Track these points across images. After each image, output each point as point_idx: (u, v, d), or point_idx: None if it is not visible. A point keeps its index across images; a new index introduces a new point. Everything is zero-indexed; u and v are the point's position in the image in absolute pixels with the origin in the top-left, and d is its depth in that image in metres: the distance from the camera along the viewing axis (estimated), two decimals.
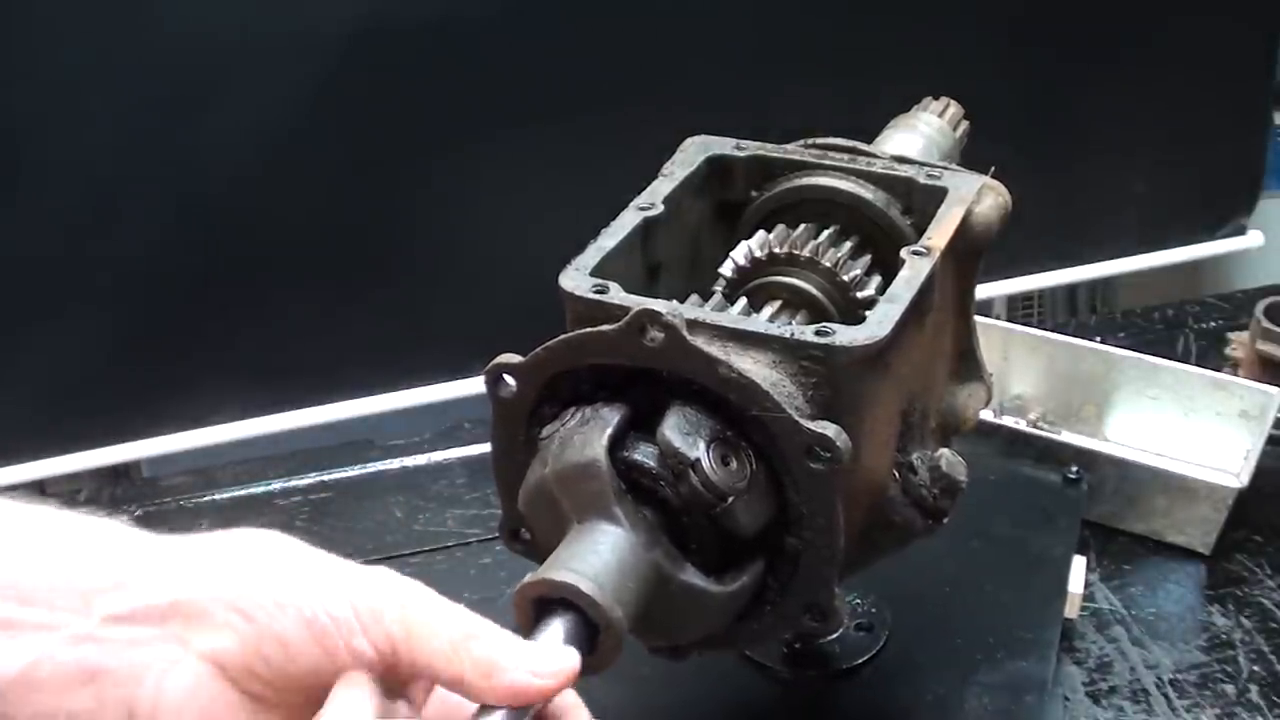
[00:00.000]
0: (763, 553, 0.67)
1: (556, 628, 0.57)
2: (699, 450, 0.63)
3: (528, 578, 0.58)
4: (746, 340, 0.67)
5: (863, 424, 0.67)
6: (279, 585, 0.52)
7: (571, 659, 0.54)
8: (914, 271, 0.72)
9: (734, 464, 0.64)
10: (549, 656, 0.54)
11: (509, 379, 0.68)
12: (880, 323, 0.67)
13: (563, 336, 0.67)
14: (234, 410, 1.50)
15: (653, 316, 0.64)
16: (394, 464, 1.19)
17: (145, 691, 0.51)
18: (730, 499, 0.63)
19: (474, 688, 0.52)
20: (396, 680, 0.53)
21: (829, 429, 0.63)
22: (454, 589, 1.08)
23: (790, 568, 0.67)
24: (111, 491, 1.19)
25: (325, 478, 1.17)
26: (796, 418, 0.63)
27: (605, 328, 0.65)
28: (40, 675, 0.50)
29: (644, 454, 0.64)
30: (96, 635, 0.51)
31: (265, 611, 0.51)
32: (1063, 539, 0.95)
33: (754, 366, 0.65)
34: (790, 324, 0.72)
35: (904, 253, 0.73)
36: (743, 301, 0.75)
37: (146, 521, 1.13)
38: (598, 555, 0.60)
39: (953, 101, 0.91)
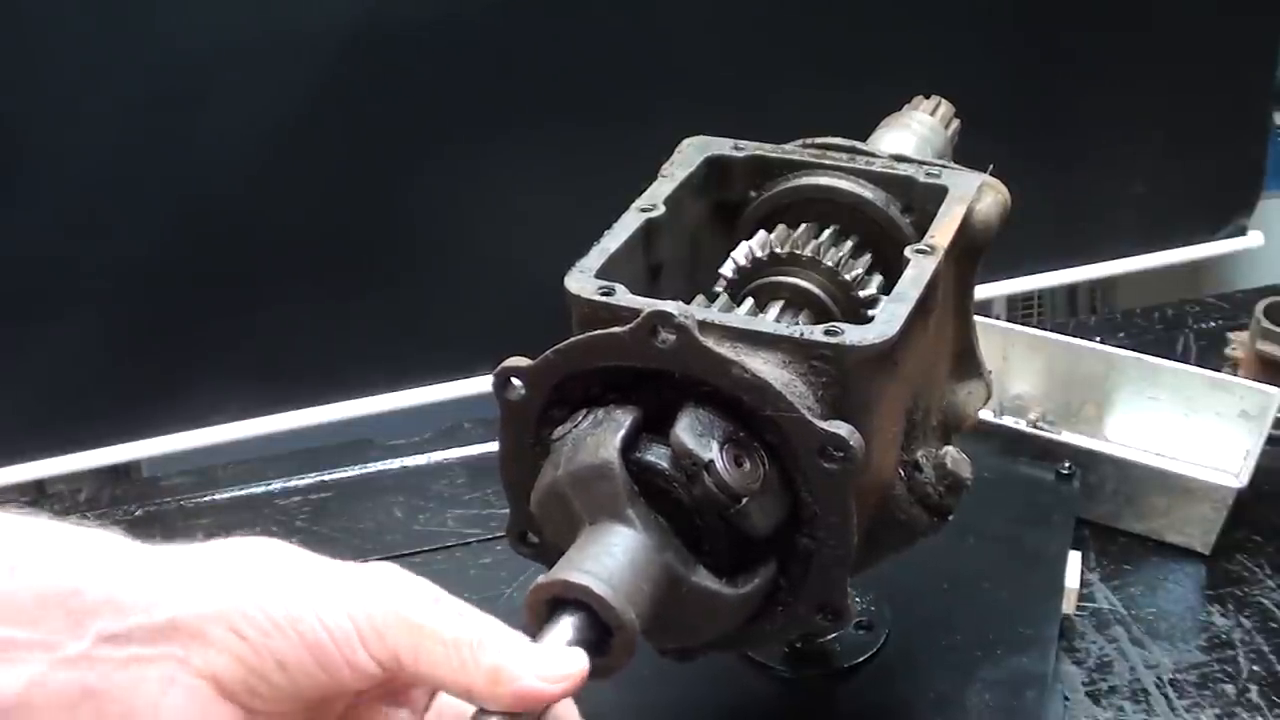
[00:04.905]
0: (774, 554, 0.67)
1: (568, 629, 0.57)
2: (712, 451, 0.63)
3: (540, 579, 0.58)
4: (756, 340, 0.67)
5: (872, 423, 0.68)
6: (276, 600, 0.51)
7: (580, 661, 0.54)
8: (919, 270, 0.72)
9: (747, 465, 0.64)
10: (557, 660, 0.53)
11: (517, 382, 0.68)
12: (889, 322, 0.68)
13: (573, 339, 0.67)
14: (234, 410, 1.50)
15: (664, 318, 0.64)
16: (394, 464, 1.19)
17: (142, 711, 0.50)
18: (744, 500, 0.63)
19: (482, 696, 0.51)
20: (399, 685, 0.53)
21: (842, 428, 0.63)
22: (454, 589, 1.08)
23: (802, 568, 0.67)
24: (111, 491, 1.19)
25: (325, 478, 1.17)
26: (809, 418, 0.63)
27: (616, 330, 0.65)
28: (38, 697, 0.49)
29: (657, 455, 0.64)
30: (93, 655, 0.50)
31: (262, 631, 0.50)
32: (1058, 535, 0.95)
33: (765, 367, 0.66)
34: (797, 324, 0.72)
35: (908, 251, 0.73)
36: (749, 302, 0.75)
37: (146, 521, 1.14)
38: (611, 557, 0.60)
39: (943, 100, 0.91)
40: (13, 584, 0.50)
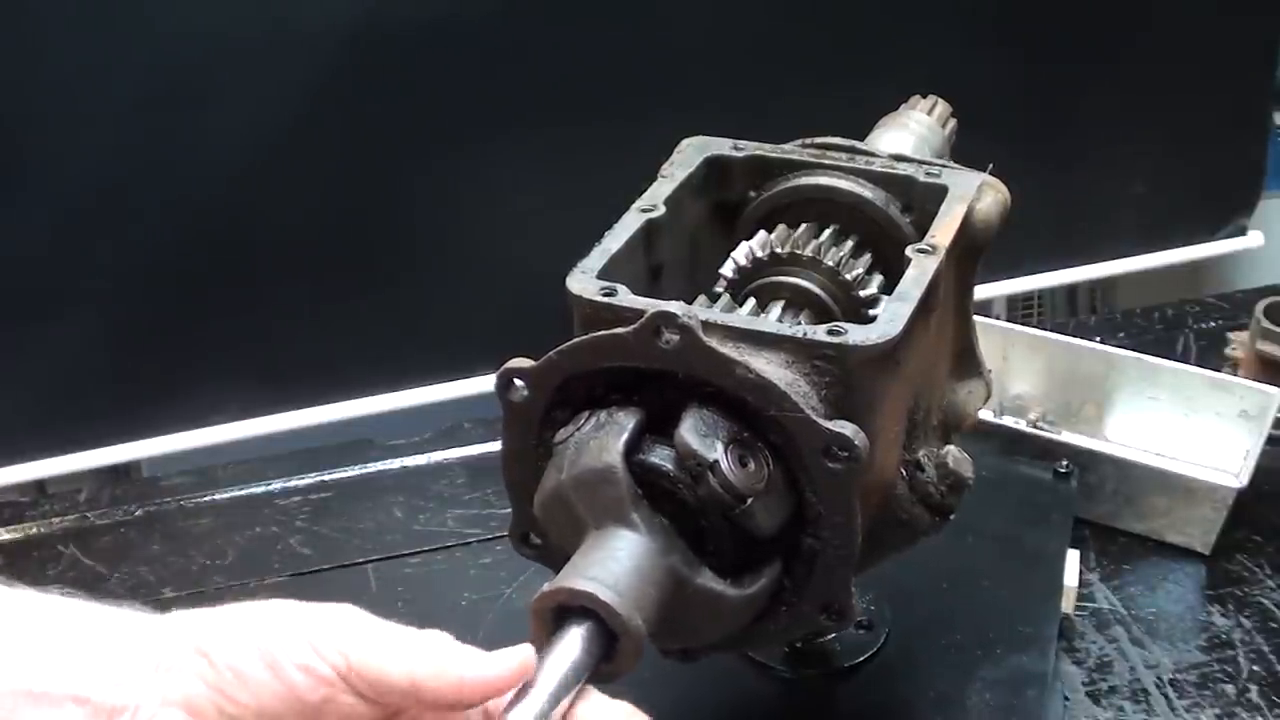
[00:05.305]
0: (779, 554, 0.67)
1: (574, 635, 0.57)
2: (717, 452, 0.63)
3: (545, 586, 0.58)
4: (759, 341, 0.67)
5: (875, 422, 0.68)
6: (237, 625, 0.55)
7: (521, 650, 0.55)
8: (921, 270, 0.72)
9: (751, 465, 0.64)
10: (498, 653, 0.55)
11: (520, 383, 0.68)
12: (892, 321, 0.68)
13: (576, 340, 0.67)
14: (234, 410, 1.50)
15: (668, 319, 0.64)
16: (394, 464, 1.19)
17: None
18: (749, 500, 0.63)
19: (427, 688, 0.54)
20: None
21: (847, 428, 0.63)
22: (454, 589, 1.09)
23: (807, 568, 0.67)
24: (111, 491, 1.19)
25: (325, 478, 1.17)
26: (814, 417, 0.63)
27: (620, 330, 0.65)
28: None
29: (661, 457, 0.64)
30: (112, 706, 0.54)
31: (222, 649, 0.54)
32: (1056, 534, 0.95)
33: (768, 367, 0.65)
34: (799, 324, 0.72)
35: (910, 251, 0.73)
36: (752, 302, 0.75)
37: (146, 521, 1.14)
38: (616, 562, 0.60)
39: (940, 99, 0.91)
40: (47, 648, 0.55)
